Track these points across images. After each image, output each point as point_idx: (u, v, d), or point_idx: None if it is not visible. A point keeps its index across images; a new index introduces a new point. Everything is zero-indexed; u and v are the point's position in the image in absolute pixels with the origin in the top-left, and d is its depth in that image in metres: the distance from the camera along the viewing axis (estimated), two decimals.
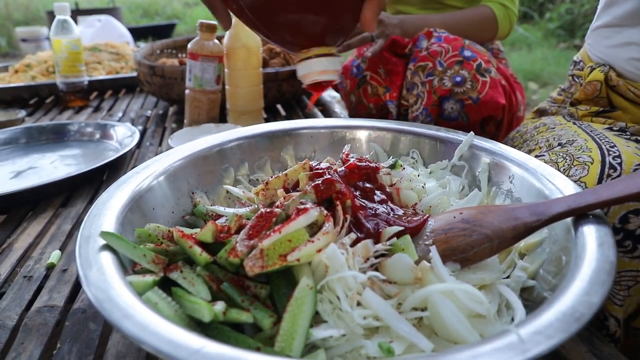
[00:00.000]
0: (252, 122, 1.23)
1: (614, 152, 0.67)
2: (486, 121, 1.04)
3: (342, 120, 0.79)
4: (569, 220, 0.50)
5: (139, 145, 1.22)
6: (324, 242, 0.43)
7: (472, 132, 0.71)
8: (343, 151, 0.65)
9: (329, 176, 0.52)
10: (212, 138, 0.72)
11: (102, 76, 1.77)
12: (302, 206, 0.47)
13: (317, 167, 0.57)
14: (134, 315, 0.35)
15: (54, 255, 0.71)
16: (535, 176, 0.59)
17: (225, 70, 1.19)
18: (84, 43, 2.72)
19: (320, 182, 0.50)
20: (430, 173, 0.71)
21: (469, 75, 1.00)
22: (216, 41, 1.17)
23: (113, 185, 0.56)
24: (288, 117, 1.45)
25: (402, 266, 0.45)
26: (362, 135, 0.77)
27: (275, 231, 0.43)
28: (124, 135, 1.18)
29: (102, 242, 0.45)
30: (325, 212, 0.47)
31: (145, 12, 8.01)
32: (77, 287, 0.64)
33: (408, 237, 0.48)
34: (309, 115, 1.46)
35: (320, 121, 0.79)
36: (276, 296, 0.43)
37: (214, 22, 1.15)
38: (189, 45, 1.16)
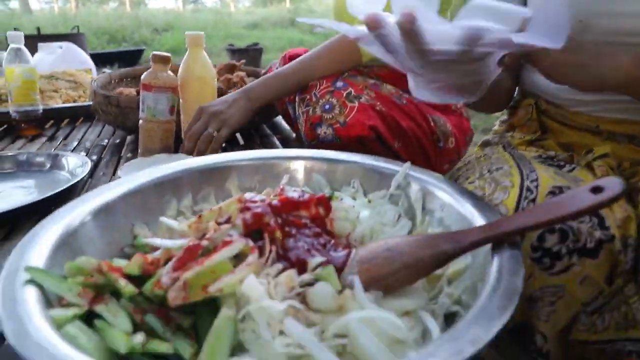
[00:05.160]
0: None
1: (532, 176, 0.72)
2: (362, 141, 1.14)
3: (282, 151, 0.82)
4: (488, 247, 0.53)
5: (92, 174, 1.21)
6: (245, 273, 0.45)
7: (408, 162, 0.74)
8: (281, 183, 0.67)
9: (259, 209, 0.54)
10: (153, 170, 0.73)
11: (58, 105, 1.76)
12: (229, 238, 0.48)
13: (252, 199, 0.58)
14: (47, 348, 0.35)
15: None
16: (461, 203, 0.62)
17: (180, 100, 1.20)
18: (44, 69, 2.69)
19: (248, 215, 0.52)
20: (369, 202, 0.73)
21: (337, 102, 1.12)
22: (170, 73, 1.19)
23: (46, 219, 0.57)
24: (246, 147, 1.47)
25: (324, 295, 0.47)
26: (300, 165, 0.79)
27: (199, 263, 0.45)
28: (75, 165, 1.17)
29: (28, 277, 0.46)
30: (252, 243, 0.49)
31: (112, 38, 7.99)
32: None
33: (331, 267, 0.50)
34: (267, 143, 1.48)
35: (263, 152, 0.81)
36: (199, 327, 0.44)
37: (168, 53, 1.17)
38: (142, 77, 1.17)
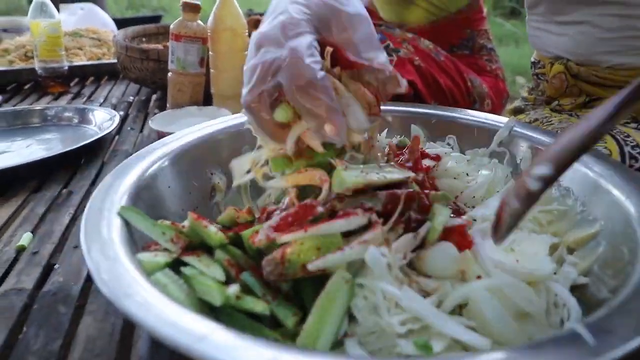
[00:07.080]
0: (238, 107, 1.15)
1: (631, 142, 0.63)
2: (398, 98, 1.03)
3: None
4: (631, 210, 0.45)
5: (119, 130, 1.13)
6: (356, 254, 0.36)
7: (513, 117, 0.66)
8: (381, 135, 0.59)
9: (410, 189, 0.44)
10: (225, 119, 0.67)
11: (83, 62, 1.68)
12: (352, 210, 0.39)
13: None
14: (136, 294, 0.30)
15: (25, 238, 0.65)
16: (584, 162, 0.53)
17: (210, 53, 1.11)
18: (67, 30, 2.58)
19: (400, 193, 0.42)
20: (467, 161, 0.64)
21: None
22: (200, 22, 1.10)
23: (118, 168, 0.52)
24: None
25: (444, 258, 0.39)
26: (393, 119, 0.70)
27: (301, 228, 0.37)
28: (103, 119, 1.10)
29: (112, 217, 0.41)
30: (376, 218, 0.39)
31: (130, 4, 7.82)
32: (47, 269, 0.59)
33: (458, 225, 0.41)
34: None
35: None
36: (303, 293, 0.37)
37: (198, 2, 1.08)
38: (172, 26, 1.09)
